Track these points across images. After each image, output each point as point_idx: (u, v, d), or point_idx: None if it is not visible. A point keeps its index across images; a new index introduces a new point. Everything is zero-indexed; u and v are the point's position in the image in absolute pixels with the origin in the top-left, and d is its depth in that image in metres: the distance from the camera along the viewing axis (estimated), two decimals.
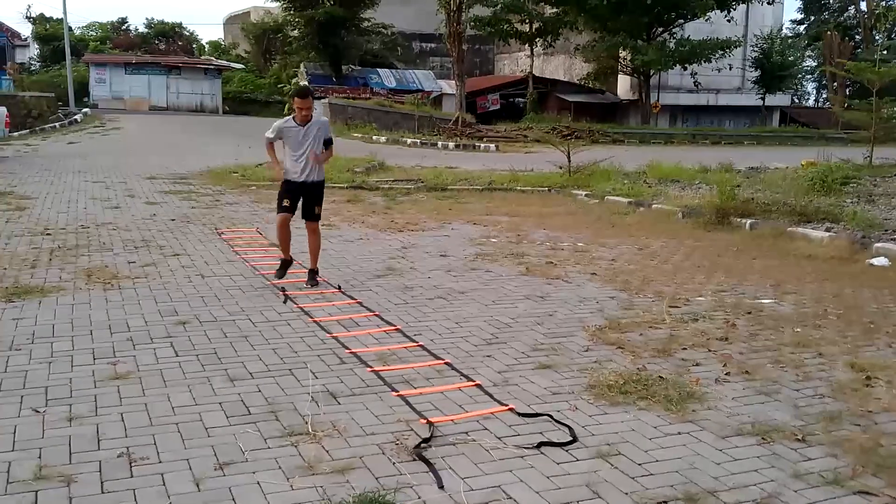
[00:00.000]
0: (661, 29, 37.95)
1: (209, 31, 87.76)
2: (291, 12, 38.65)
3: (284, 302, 6.47)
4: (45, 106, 28.61)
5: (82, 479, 3.36)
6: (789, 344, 5.68)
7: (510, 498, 3.35)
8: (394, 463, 3.63)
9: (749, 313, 6.51)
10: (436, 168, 18.32)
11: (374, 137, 27.02)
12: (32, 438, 3.76)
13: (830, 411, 4.42)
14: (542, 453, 3.80)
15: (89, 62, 39.35)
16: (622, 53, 38.67)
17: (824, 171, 14.28)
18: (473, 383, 4.71)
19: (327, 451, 3.72)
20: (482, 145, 26.30)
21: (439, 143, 26.21)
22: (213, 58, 45.27)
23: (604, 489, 3.45)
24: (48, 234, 9.23)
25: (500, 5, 36.53)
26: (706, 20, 37.45)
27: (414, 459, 3.66)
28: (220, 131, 28.33)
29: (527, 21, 37.37)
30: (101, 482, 3.34)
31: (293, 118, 6.97)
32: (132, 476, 3.41)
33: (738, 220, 10.90)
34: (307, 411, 4.19)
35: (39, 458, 3.55)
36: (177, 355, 5.07)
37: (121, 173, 15.87)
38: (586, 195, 14.14)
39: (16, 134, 25.23)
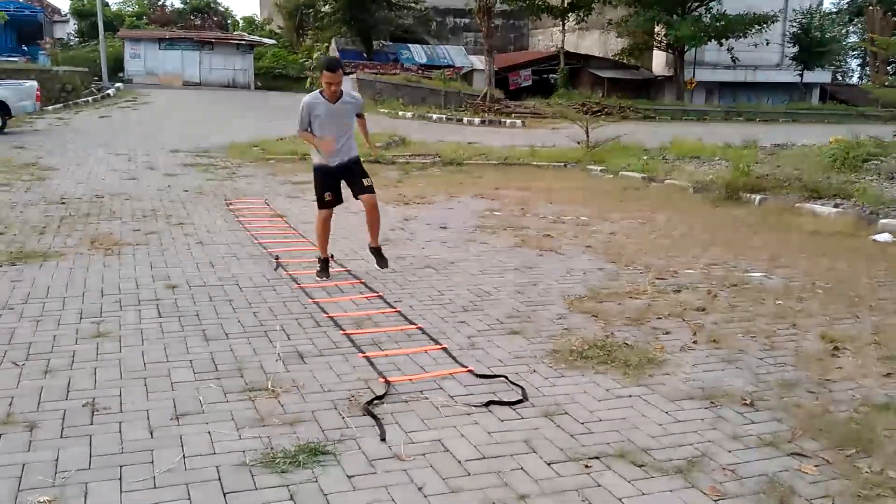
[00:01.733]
0: (696, 3, 37.30)
1: (245, 6, 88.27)
2: None
3: (276, 269, 6.64)
4: (79, 80, 29.12)
5: (45, 425, 3.57)
6: (766, 315, 5.71)
7: (447, 451, 3.48)
8: (343, 417, 3.78)
9: (735, 286, 6.53)
10: (457, 143, 18.36)
11: (401, 113, 27.11)
12: (6, 388, 3.97)
13: (787, 379, 4.47)
14: (489, 412, 3.92)
15: (124, 38, 39.86)
16: (657, 28, 38.15)
17: (846, 147, 14.05)
18: (440, 346, 4.83)
19: (282, 406, 3.89)
20: (508, 121, 26.26)
21: (465, 119, 26.21)
22: (245, 33, 45.55)
23: (540, 445, 3.57)
24: (63, 203, 9.52)
25: None
26: None
27: (363, 414, 3.80)
28: (249, 106, 28.61)
29: None
30: (62, 428, 3.54)
31: (321, 93, 6.13)
32: (91, 423, 3.60)
33: (748, 195, 10.83)
34: (272, 369, 4.36)
35: (10, 405, 3.76)
36: (160, 316, 5.27)
37: (145, 147, 16.20)
38: (601, 171, 14.12)
39: (50, 108, 25.80)
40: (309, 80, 18.49)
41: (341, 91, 6.16)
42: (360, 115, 6.45)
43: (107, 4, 52.93)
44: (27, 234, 7.72)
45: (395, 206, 10.01)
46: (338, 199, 6.47)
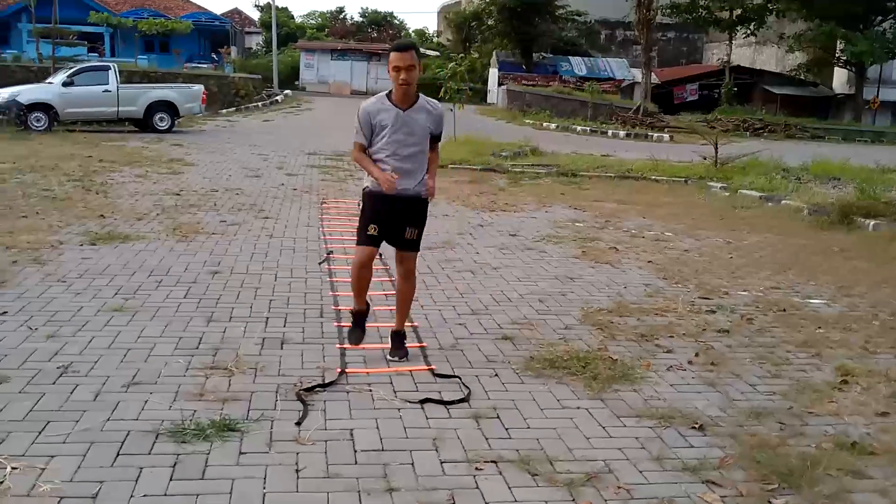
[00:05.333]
0: (879, 17, 34.58)
1: (422, 19, 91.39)
2: (486, 0, 39.42)
3: (320, 263, 6.93)
4: (252, 87, 31.33)
5: (14, 381, 3.98)
6: (793, 343, 5.32)
7: (350, 440, 3.56)
8: (277, 400, 3.95)
9: (783, 310, 6.12)
10: (590, 155, 18.13)
11: (545, 124, 27.07)
12: (7, 347, 4.45)
13: (765, 408, 4.18)
14: (422, 408, 3.95)
15: (301, 48, 42.41)
16: (838, 44, 35.73)
17: None
18: (419, 345, 4.90)
19: (229, 384, 4.12)
20: (655, 135, 25.54)
21: (610, 132, 25.78)
22: None
23: (446, 444, 3.57)
24: (178, 195, 10.36)
25: None
26: None
27: (296, 399, 3.96)
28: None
29: (727, 8, 35.51)
30: (25, 385, 3.94)
31: (387, 95, 4.53)
32: (53, 384, 3.98)
33: (863, 220, 10.00)
34: (246, 352, 4.61)
35: (1, 361, 4.23)
36: (185, 297, 5.68)
37: (287, 148, 17.24)
38: (721, 187, 13.48)
39: (223, 111, 28.00)
40: (444, 89, 18.85)
41: (417, 94, 4.52)
42: (434, 140, 4.62)
43: (291, 17, 56.61)
44: (126, 218, 8.49)
45: (479, 213, 10.09)
46: (383, 237, 4.63)
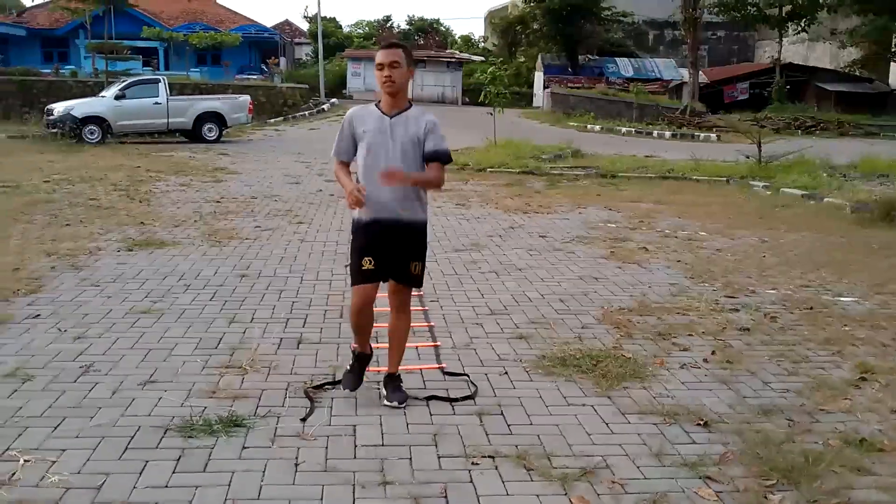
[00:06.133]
0: None
1: (469, 25, 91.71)
2: (531, 3, 39.36)
3: (346, 266, 7.03)
4: (299, 96, 31.77)
5: (37, 379, 4.16)
6: (815, 341, 5.24)
7: (352, 436, 3.63)
8: (286, 398, 4.05)
9: (810, 309, 6.02)
10: (632, 157, 17.95)
11: (589, 126, 26.89)
12: (36, 348, 4.65)
13: (776, 405, 4.13)
14: (426, 405, 4.01)
15: (348, 57, 42.89)
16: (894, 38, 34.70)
17: None
18: (433, 344, 4.96)
19: (242, 382, 4.23)
20: (702, 135, 25.17)
21: (655, 133, 25.50)
22: (456, 51, 47.23)
23: (446, 439, 3.62)
24: (218, 202, 10.61)
25: None
26: None
27: (304, 396, 4.05)
28: (450, 122, 29.47)
29: (776, 4, 34.79)
30: (47, 383, 4.11)
31: (376, 105, 3.99)
32: (74, 382, 4.15)
33: None
34: (263, 351, 4.72)
35: (28, 362, 4.42)
36: (211, 300, 5.84)
37: (330, 156, 17.41)
38: (763, 186, 13.25)
39: (271, 120, 28.49)
40: (483, 93, 18.87)
41: (409, 102, 4.00)
42: (431, 159, 3.92)
43: (339, 27, 57.30)
44: (165, 225, 8.73)
45: (511, 215, 10.10)
46: (382, 272, 3.95)
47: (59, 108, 19.11)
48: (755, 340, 5.22)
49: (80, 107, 19.14)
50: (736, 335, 5.33)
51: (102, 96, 20.17)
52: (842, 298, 6.34)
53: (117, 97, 19.46)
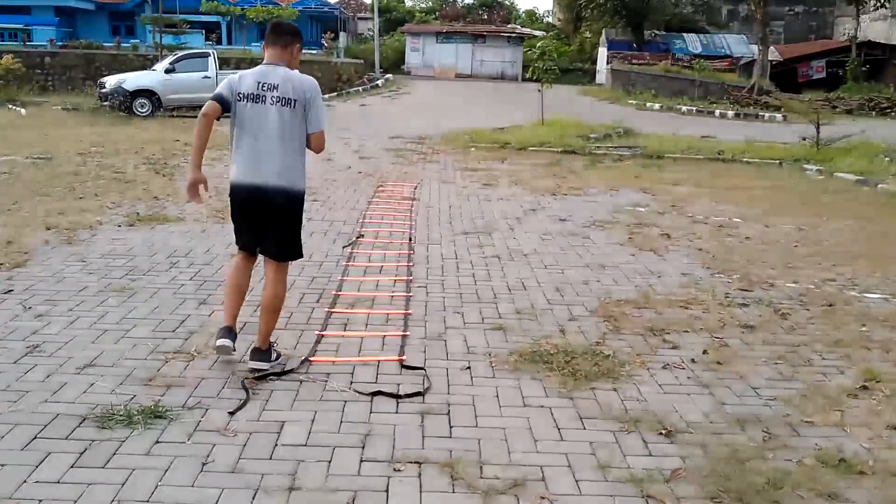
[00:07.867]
0: None
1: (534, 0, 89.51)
2: None
3: (344, 247, 6.81)
4: (353, 71, 31.63)
5: None
6: (824, 342, 4.78)
7: (276, 433, 3.40)
8: (223, 387, 3.84)
9: (830, 305, 5.53)
10: (689, 137, 17.18)
11: (649, 104, 26.01)
12: None
13: (754, 414, 3.73)
14: (370, 402, 3.75)
15: (407, 32, 42.56)
16: None
17: None
18: (402, 333, 4.68)
19: (185, 369, 4.04)
20: (767, 115, 24.05)
21: (717, 112, 24.47)
22: (518, 26, 46.40)
23: (375, 441, 3.35)
24: None
25: None
26: None
27: (241, 387, 3.83)
28: (502, 99, 29.05)
29: None
30: None
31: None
32: (14, 363, 4.02)
33: None
34: (216, 337, 4.51)
35: None
36: (191, 279, 5.68)
37: (373, 131, 17.23)
38: (817, 170, 12.51)
39: (325, 96, 28.40)
40: (531, 68, 18.36)
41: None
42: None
43: (402, 2, 56.93)
44: (178, 200, 8.63)
45: (538, 196, 9.70)
46: (258, 241, 4.09)
47: (111, 81, 19.35)
48: (756, 340, 4.79)
49: (131, 80, 19.34)
50: (737, 333, 4.91)
51: (154, 70, 20.34)
52: (868, 295, 5.82)
53: (167, 71, 19.58)
